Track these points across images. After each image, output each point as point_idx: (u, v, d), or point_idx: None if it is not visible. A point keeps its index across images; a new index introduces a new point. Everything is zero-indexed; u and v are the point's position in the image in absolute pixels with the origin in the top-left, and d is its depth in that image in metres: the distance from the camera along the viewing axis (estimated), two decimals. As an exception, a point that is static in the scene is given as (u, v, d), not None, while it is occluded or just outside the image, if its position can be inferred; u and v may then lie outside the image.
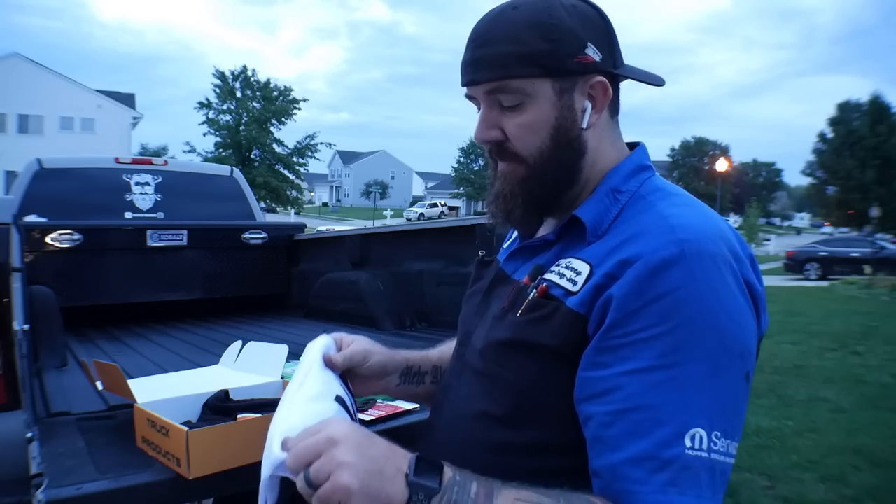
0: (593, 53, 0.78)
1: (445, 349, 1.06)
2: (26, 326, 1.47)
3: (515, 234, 0.96)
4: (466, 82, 0.83)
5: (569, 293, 0.74)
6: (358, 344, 0.95)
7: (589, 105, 0.79)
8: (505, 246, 0.98)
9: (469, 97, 0.85)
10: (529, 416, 0.75)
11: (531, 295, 0.77)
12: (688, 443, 0.62)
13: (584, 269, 0.74)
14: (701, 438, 0.62)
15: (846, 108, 39.72)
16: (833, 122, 39.98)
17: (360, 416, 1.50)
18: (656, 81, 0.87)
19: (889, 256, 17.48)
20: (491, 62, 0.78)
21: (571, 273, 0.75)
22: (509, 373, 0.77)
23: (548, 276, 0.78)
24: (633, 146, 0.87)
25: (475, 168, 52.91)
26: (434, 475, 0.64)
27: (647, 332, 0.66)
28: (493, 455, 0.75)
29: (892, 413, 4.51)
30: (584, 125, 0.80)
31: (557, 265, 0.78)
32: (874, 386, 5.28)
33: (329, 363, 0.89)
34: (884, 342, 7.22)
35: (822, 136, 40.80)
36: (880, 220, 35.40)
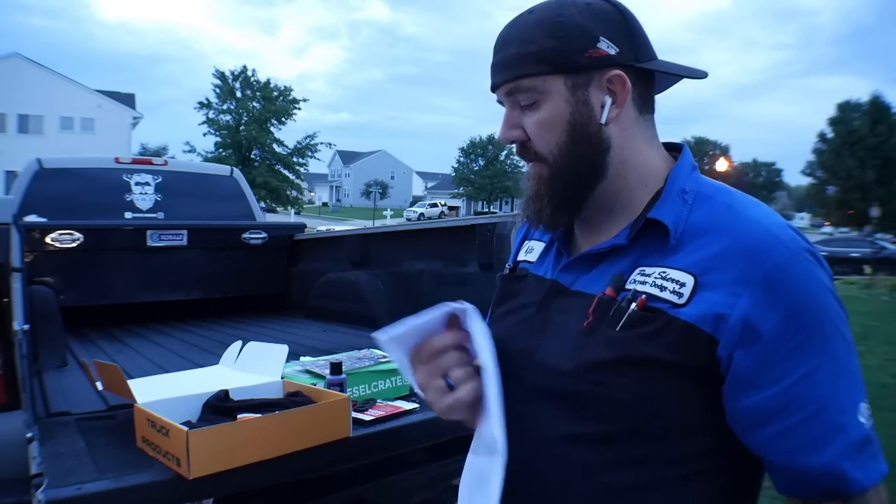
0: (607, 47, 0.77)
1: None
2: (26, 326, 1.47)
3: (536, 245, 0.94)
4: (490, 86, 0.85)
5: (675, 305, 0.72)
6: None
7: (609, 100, 0.79)
8: (529, 258, 0.95)
9: (498, 101, 0.87)
10: (635, 432, 0.74)
11: (631, 308, 0.74)
12: (862, 419, 0.70)
13: (688, 280, 0.72)
14: (866, 409, 0.71)
15: (846, 108, 39.69)
16: (833, 122, 39.93)
17: (360, 415, 1.50)
18: (693, 74, 0.84)
19: (889, 256, 17.49)
20: (506, 64, 0.81)
21: (674, 285, 0.73)
22: (613, 391, 0.73)
23: (641, 287, 0.75)
24: (670, 147, 0.87)
25: (475, 168, 52.93)
26: None
27: (795, 339, 0.69)
28: (594, 475, 0.75)
29: (892, 413, 4.51)
30: (603, 120, 0.79)
31: (647, 276, 0.76)
32: (874, 386, 5.28)
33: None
34: (884, 342, 7.21)
35: (822, 136, 40.76)
36: (880, 220, 35.38)
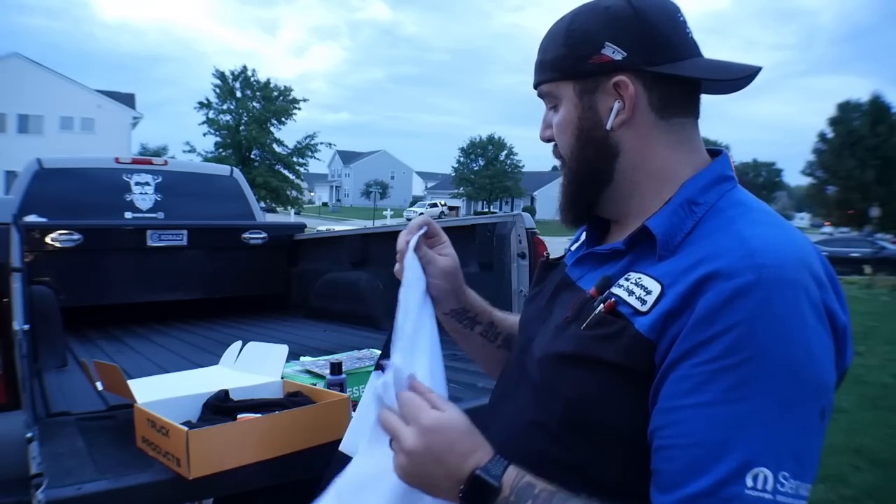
0: (612, 53, 0.77)
1: (511, 318, 1.07)
2: (26, 326, 1.47)
3: (583, 236, 0.94)
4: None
5: (637, 312, 0.71)
6: (444, 257, 0.97)
7: (618, 105, 0.78)
8: (573, 248, 0.96)
9: None
10: (580, 434, 0.74)
11: (598, 309, 0.75)
12: (749, 482, 0.59)
13: (655, 288, 0.71)
14: (765, 478, 0.59)
15: (846, 108, 39.68)
16: (833, 122, 39.93)
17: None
18: (726, 76, 0.78)
19: (889, 256, 17.50)
20: (535, 69, 0.87)
21: (641, 291, 0.72)
22: (566, 386, 0.75)
23: (616, 290, 0.75)
24: (714, 154, 0.83)
25: (475, 168, 52.90)
26: (485, 495, 0.68)
27: (714, 364, 0.63)
28: (545, 468, 0.73)
29: (892, 413, 4.51)
30: (609, 126, 0.79)
31: (627, 279, 0.76)
32: (874, 386, 5.28)
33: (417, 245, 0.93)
34: (884, 342, 7.21)
35: (822, 136, 40.76)
36: (880, 220, 35.35)
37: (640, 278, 0.74)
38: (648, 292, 0.71)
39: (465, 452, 0.71)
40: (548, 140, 0.88)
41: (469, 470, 0.69)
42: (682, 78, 0.78)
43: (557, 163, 0.90)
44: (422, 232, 0.94)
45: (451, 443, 0.71)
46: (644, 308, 0.71)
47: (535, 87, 0.88)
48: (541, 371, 0.80)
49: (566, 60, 0.81)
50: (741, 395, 0.61)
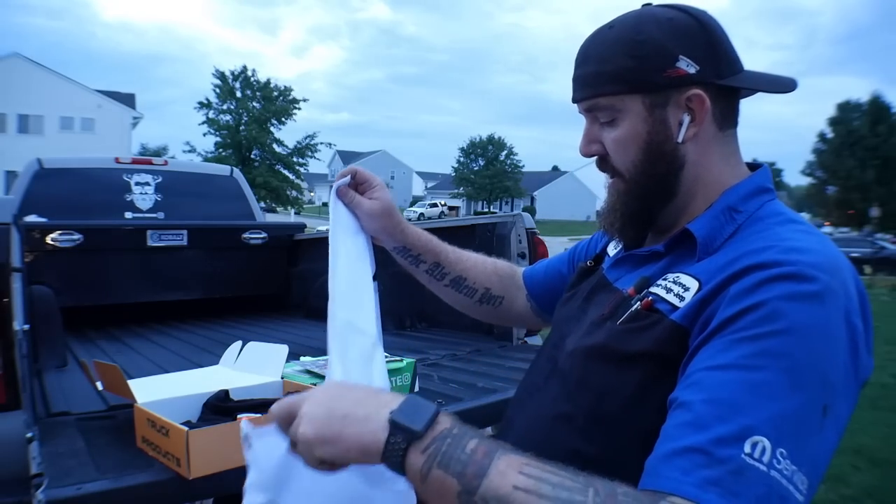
0: (686, 66, 0.77)
1: (469, 262, 1.16)
2: (26, 326, 1.47)
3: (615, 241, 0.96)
4: (572, 99, 0.87)
5: (674, 308, 0.73)
6: (372, 201, 1.05)
7: (687, 118, 0.79)
8: (611, 253, 0.97)
9: (581, 112, 0.88)
10: (605, 427, 0.74)
11: (634, 306, 0.77)
12: (748, 448, 0.57)
13: (693, 285, 0.73)
14: (763, 449, 0.57)
15: (846, 108, 39.72)
16: (833, 122, 39.97)
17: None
18: (782, 88, 0.81)
19: (889, 256, 17.51)
20: (585, 81, 0.83)
21: (679, 289, 0.74)
22: (596, 379, 0.76)
23: (654, 289, 0.77)
24: (755, 167, 0.85)
25: (475, 168, 52.89)
26: (425, 415, 0.60)
27: (738, 333, 0.64)
28: (564, 459, 0.72)
29: (892, 413, 4.51)
30: (680, 139, 0.79)
31: (665, 279, 0.77)
32: (874, 386, 5.27)
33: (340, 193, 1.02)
34: (884, 342, 7.20)
35: (822, 136, 40.80)
36: (880, 220, 35.37)
37: (678, 277, 0.76)
38: (686, 289, 0.73)
39: (378, 388, 0.68)
40: (592, 155, 0.86)
41: (397, 395, 0.64)
42: (739, 90, 0.81)
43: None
44: (344, 181, 1.02)
45: (355, 395, 0.66)
46: (682, 304, 0.72)
47: (585, 99, 0.83)
48: (572, 364, 0.81)
49: (636, 73, 0.78)
50: (759, 364, 0.61)
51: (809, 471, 0.59)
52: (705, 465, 0.57)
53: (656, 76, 0.77)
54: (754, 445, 0.57)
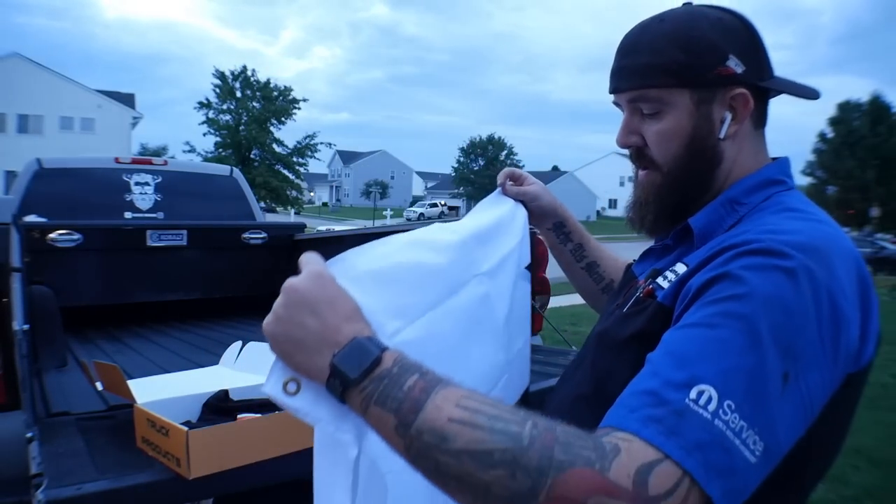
0: (735, 66, 0.79)
1: (606, 252, 1.22)
2: (26, 326, 1.47)
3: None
4: (611, 89, 0.87)
5: (663, 290, 0.78)
6: (532, 185, 1.16)
7: (729, 116, 0.80)
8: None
9: (615, 103, 0.89)
10: (608, 407, 0.75)
11: (638, 293, 0.82)
12: (693, 394, 0.58)
13: (682, 270, 0.77)
14: (710, 398, 0.58)
15: (846, 108, 39.73)
16: (833, 122, 39.99)
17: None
18: (808, 94, 0.85)
19: (889, 256, 17.52)
20: (632, 71, 0.83)
21: (672, 275, 0.78)
22: (599, 360, 0.83)
23: (659, 279, 0.81)
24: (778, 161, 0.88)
25: (475, 168, 52.93)
26: (364, 362, 0.62)
27: (704, 299, 0.66)
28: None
29: (892, 413, 4.51)
30: (722, 135, 0.81)
31: (670, 269, 0.81)
32: (874, 386, 5.28)
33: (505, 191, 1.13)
34: (884, 342, 7.17)
35: (822, 136, 40.83)
36: (880, 220, 35.40)
37: (676, 266, 0.79)
38: (677, 274, 0.77)
39: (347, 315, 0.66)
40: (631, 146, 0.87)
41: (349, 335, 0.64)
42: (769, 91, 0.83)
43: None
44: (507, 181, 1.15)
45: (334, 298, 0.68)
46: (667, 286, 0.77)
47: (632, 89, 0.83)
48: (588, 349, 0.88)
49: (688, 68, 0.79)
50: (717, 322, 0.63)
51: (765, 434, 0.59)
52: (651, 405, 0.59)
53: (707, 73, 0.79)
54: (700, 393, 0.58)
